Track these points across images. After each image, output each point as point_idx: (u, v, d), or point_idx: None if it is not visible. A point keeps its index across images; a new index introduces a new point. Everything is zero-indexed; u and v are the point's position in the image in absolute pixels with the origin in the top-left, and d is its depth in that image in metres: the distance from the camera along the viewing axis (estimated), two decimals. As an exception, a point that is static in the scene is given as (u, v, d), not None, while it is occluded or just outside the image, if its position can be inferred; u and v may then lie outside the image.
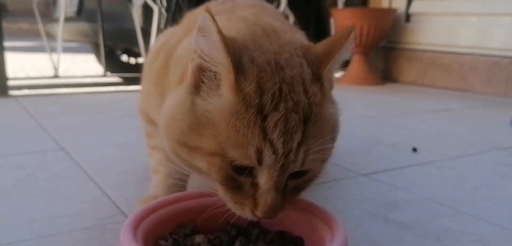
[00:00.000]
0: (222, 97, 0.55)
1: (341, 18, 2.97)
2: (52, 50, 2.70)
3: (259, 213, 0.56)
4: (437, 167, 1.23)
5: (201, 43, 0.56)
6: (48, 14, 4.20)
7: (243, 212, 0.58)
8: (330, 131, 0.60)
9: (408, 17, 3.10)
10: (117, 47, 3.93)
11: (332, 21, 3.16)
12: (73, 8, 3.39)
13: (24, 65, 4.67)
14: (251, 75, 0.54)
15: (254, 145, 0.52)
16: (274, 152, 0.53)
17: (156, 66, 0.80)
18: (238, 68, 0.54)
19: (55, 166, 1.15)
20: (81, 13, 3.33)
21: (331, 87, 0.65)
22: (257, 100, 0.53)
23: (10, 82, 2.38)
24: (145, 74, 0.89)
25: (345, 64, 3.26)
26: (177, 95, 0.60)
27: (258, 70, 0.55)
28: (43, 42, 2.72)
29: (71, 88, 2.67)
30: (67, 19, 3.58)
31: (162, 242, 0.62)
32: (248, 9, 0.80)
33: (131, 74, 3.03)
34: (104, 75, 2.75)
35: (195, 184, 0.90)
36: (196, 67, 0.58)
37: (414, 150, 1.39)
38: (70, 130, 1.53)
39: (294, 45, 0.61)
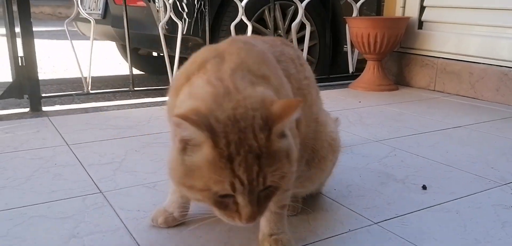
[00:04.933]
0: (203, 152, 0.79)
1: (356, 27, 3.04)
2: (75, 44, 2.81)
3: (243, 221, 0.82)
4: (445, 212, 1.34)
5: (181, 132, 0.80)
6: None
7: (233, 221, 0.84)
8: (284, 157, 0.83)
9: (420, 24, 3.16)
10: (142, 49, 4.09)
11: (347, 29, 3.24)
12: (99, 12, 3.52)
13: (54, 65, 4.84)
14: (220, 134, 0.78)
15: (228, 181, 0.78)
16: (242, 183, 0.79)
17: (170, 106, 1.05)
18: (212, 134, 0.78)
19: (96, 216, 1.28)
20: (106, 16, 3.47)
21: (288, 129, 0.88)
22: (226, 152, 0.78)
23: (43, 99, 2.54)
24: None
25: (359, 70, 3.34)
26: (172, 153, 0.86)
27: (223, 127, 0.79)
28: (70, 44, 2.76)
29: (100, 103, 2.80)
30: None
31: None
32: (229, 63, 0.94)
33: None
34: (132, 90, 2.85)
35: None
36: (181, 140, 0.82)
37: (424, 187, 1.49)
38: (105, 164, 1.66)
39: (251, 100, 0.83)
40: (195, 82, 0.92)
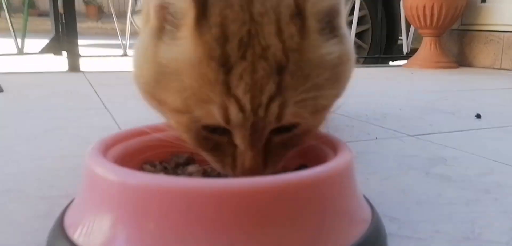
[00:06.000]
0: (182, 42, 0.45)
1: (410, 0, 2.79)
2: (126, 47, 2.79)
3: (237, 173, 0.48)
4: (499, 131, 1.09)
5: None
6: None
7: (223, 169, 0.50)
8: (327, 75, 0.46)
9: (484, -3, 2.86)
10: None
11: (401, 3, 3.00)
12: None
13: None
14: (214, 14, 0.43)
15: (218, 103, 0.44)
16: (241, 109, 0.44)
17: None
18: (200, 5, 0.43)
19: (92, 120, 1.16)
20: None
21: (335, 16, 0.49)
22: (219, 51, 0.43)
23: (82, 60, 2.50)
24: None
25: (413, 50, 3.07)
26: (141, 40, 0.51)
27: (222, 6, 0.44)
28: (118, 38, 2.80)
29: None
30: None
31: (147, 166, 0.56)
32: None
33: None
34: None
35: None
36: (158, 5, 0.47)
37: (478, 116, 1.24)
38: (121, 97, 1.55)
39: None
40: None
